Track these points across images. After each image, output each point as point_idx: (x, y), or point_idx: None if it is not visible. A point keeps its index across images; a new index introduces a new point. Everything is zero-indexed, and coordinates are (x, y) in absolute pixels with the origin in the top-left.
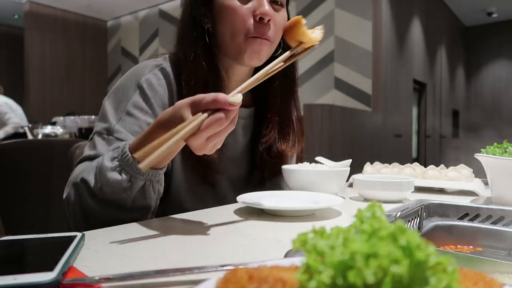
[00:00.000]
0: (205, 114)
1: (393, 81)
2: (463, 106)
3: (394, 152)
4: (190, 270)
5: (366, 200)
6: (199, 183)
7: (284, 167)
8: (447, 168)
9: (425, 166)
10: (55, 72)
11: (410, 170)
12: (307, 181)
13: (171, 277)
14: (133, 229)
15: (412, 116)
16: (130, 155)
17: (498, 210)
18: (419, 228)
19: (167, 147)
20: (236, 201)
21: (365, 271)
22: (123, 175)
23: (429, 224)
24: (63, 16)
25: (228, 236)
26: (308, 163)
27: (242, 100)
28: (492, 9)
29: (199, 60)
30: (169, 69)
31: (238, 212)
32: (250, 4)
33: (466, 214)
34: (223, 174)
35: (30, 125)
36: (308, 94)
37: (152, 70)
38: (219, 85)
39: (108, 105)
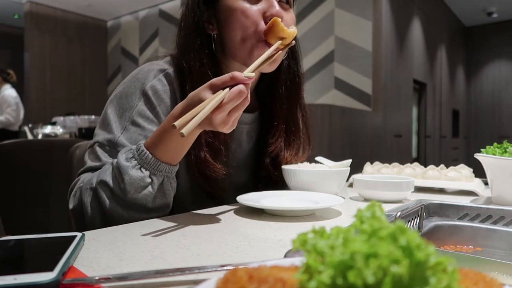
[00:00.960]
0: (226, 89)
1: (393, 81)
2: (463, 106)
3: (394, 152)
4: (190, 270)
5: (366, 200)
6: (204, 194)
7: (284, 167)
8: (447, 168)
9: (425, 166)
10: (55, 72)
11: (410, 170)
12: (307, 181)
13: (171, 277)
14: (133, 229)
15: (412, 116)
16: (147, 152)
17: (498, 210)
18: (419, 228)
19: (202, 115)
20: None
21: (365, 271)
22: (144, 170)
23: (429, 224)
24: (63, 16)
25: (228, 236)
26: (308, 163)
27: (247, 106)
28: (492, 9)
29: (204, 69)
30: (173, 74)
31: (238, 212)
32: (260, 6)
33: (466, 214)
34: (228, 189)
35: (30, 125)
36: (308, 94)
37: (156, 76)
38: None
39: (111, 113)
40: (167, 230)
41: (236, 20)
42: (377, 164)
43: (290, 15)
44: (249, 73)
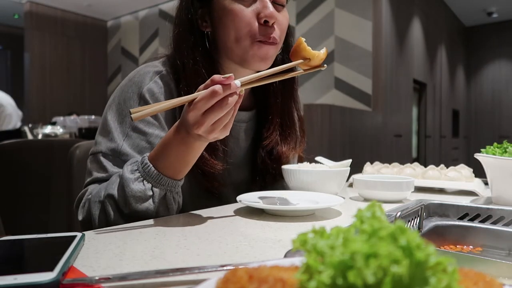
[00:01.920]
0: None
1: (393, 81)
2: (463, 106)
3: (394, 152)
4: (190, 270)
5: (366, 200)
6: (203, 191)
7: (284, 167)
8: (447, 168)
9: (425, 166)
10: (55, 72)
11: (410, 170)
12: (307, 181)
13: (171, 277)
14: (133, 229)
15: (412, 116)
16: (151, 165)
17: (498, 210)
18: (419, 228)
19: (160, 108)
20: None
21: (365, 271)
22: (146, 183)
23: (429, 224)
24: (63, 16)
25: (228, 236)
26: (308, 163)
27: (243, 104)
28: (492, 9)
29: (198, 67)
30: (169, 75)
31: (238, 212)
32: (253, 7)
33: (466, 214)
34: (228, 185)
35: (30, 125)
36: (308, 94)
37: (153, 78)
38: None
39: (111, 119)
40: (167, 230)
41: (230, 21)
42: (377, 164)
43: (284, 16)
44: (238, 81)
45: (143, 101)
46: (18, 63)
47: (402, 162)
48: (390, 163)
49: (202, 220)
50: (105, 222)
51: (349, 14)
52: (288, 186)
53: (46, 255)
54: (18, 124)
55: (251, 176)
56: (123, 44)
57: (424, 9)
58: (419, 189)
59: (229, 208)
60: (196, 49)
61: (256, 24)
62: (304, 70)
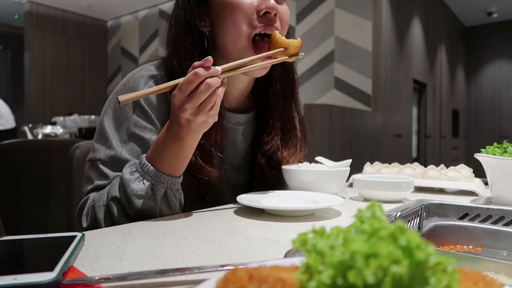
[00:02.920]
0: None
1: (393, 81)
2: (463, 106)
3: (394, 152)
4: (190, 270)
5: (366, 200)
6: (199, 199)
7: (284, 167)
8: (447, 168)
9: (425, 166)
10: (55, 72)
11: (410, 170)
12: (307, 181)
13: (171, 277)
14: (133, 229)
15: (412, 116)
16: (149, 164)
17: (498, 210)
18: (419, 228)
19: (144, 92)
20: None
21: (365, 271)
22: (146, 182)
23: (429, 224)
24: (63, 16)
25: (228, 236)
26: (308, 163)
27: (241, 106)
28: (492, 9)
29: None
30: (163, 79)
31: (238, 212)
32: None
33: (466, 214)
34: (225, 189)
35: (30, 125)
36: (308, 94)
37: (147, 83)
38: None
39: (108, 126)
40: (167, 230)
41: (228, 15)
42: (377, 164)
43: (285, 8)
44: (219, 67)
45: (138, 107)
46: (18, 63)
47: (402, 162)
48: (390, 163)
49: (202, 220)
50: (111, 225)
51: (349, 14)
52: (285, 186)
53: (46, 255)
54: (13, 124)
55: (249, 181)
56: (123, 44)
57: (424, 9)
58: (419, 189)
59: (229, 208)
60: (194, 50)
61: (255, 16)
62: (283, 59)
